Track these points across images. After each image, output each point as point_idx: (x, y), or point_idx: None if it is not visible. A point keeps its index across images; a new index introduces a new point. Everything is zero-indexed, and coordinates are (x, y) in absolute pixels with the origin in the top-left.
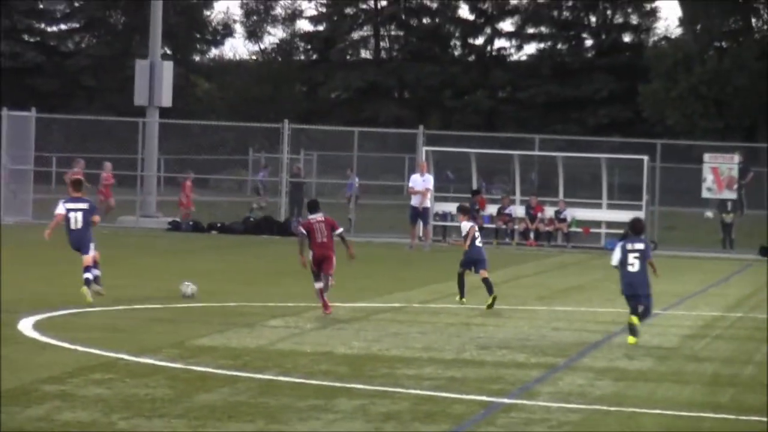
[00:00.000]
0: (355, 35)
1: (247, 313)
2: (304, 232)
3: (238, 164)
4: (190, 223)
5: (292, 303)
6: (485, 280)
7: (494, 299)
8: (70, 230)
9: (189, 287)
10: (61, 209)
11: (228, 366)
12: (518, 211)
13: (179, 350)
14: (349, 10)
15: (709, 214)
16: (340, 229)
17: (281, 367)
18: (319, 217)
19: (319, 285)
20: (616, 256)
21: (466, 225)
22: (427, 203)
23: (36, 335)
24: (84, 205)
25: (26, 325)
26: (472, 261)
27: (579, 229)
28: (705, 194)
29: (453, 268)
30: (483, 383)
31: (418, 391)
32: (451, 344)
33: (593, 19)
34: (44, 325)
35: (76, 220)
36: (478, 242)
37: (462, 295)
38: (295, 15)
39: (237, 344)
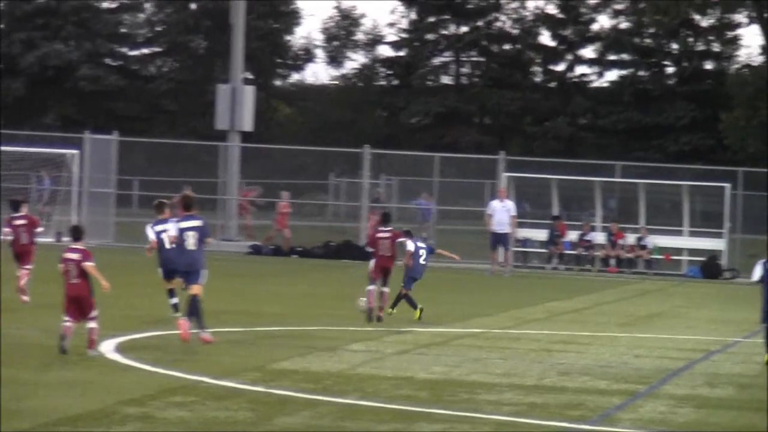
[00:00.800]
0: (436, 61)
1: (327, 337)
2: (371, 250)
3: (318, 189)
4: (271, 247)
5: (372, 328)
6: (406, 297)
7: (421, 311)
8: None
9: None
10: (173, 230)
11: (309, 389)
12: (599, 237)
13: (260, 373)
14: (430, 36)
15: None
16: (402, 239)
17: (362, 391)
18: (386, 232)
19: (372, 287)
20: (757, 273)
21: (409, 244)
22: (508, 229)
23: (118, 357)
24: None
25: (108, 347)
26: (413, 279)
27: (660, 256)
28: None
29: (534, 294)
30: (564, 409)
31: (499, 417)
32: (532, 370)
33: (675, 46)
34: (126, 347)
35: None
36: (421, 260)
37: (416, 307)
38: (376, 40)
39: (318, 368)
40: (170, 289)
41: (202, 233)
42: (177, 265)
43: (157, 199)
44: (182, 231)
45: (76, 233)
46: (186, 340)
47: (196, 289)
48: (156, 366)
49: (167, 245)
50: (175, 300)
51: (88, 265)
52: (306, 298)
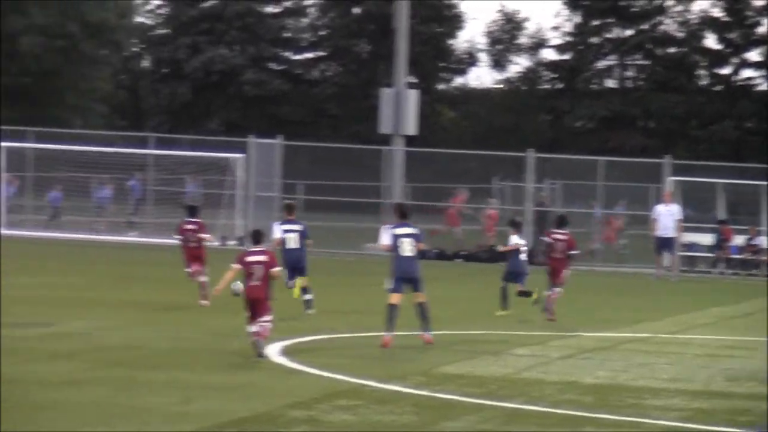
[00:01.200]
0: (600, 64)
1: (492, 341)
2: (550, 241)
3: (482, 193)
4: (434, 251)
5: (537, 332)
6: (521, 293)
7: (536, 299)
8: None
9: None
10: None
11: (474, 394)
12: (766, 242)
13: (425, 377)
14: (594, 40)
15: None
16: (575, 252)
17: (527, 396)
18: (561, 235)
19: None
20: None
21: (514, 238)
22: (673, 233)
23: (284, 361)
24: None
25: (274, 351)
26: (512, 273)
27: None
28: None
29: (701, 299)
30: (731, 415)
31: (666, 422)
32: (699, 375)
33: None
34: (292, 350)
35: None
36: (522, 256)
37: (505, 307)
38: (539, 44)
39: (483, 372)
40: (302, 288)
41: (417, 239)
42: (402, 273)
43: (286, 201)
44: (397, 237)
45: (257, 237)
46: (431, 342)
47: (420, 297)
48: (321, 369)
49: (288, 245)
50: (307, 296)
51: (276, 270)
52: (470, 302)
